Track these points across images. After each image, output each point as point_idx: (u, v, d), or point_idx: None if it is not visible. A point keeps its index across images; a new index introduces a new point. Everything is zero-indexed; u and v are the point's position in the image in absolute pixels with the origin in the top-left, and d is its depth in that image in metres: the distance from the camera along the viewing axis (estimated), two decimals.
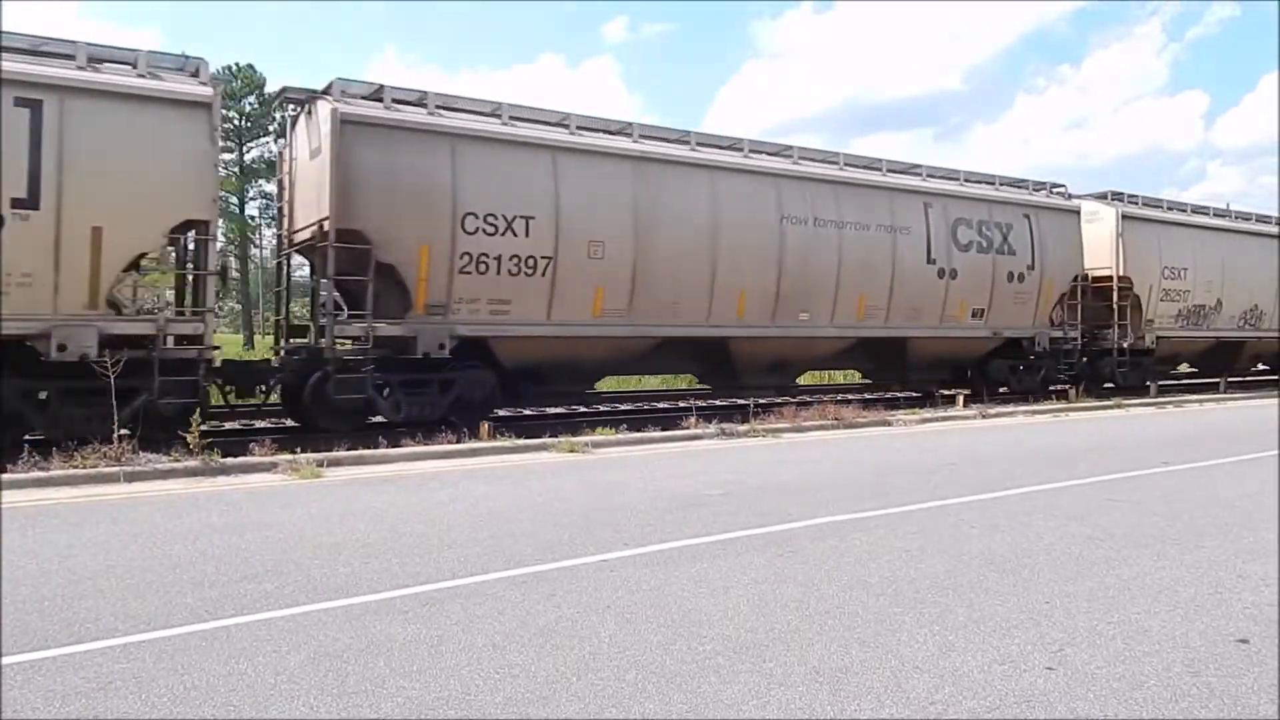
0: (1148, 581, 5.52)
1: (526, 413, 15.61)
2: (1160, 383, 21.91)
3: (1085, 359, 20.58)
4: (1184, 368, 26.03)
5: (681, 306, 14.44)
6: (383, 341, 12.26)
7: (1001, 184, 19.03)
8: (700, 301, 14.66)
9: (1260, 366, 27.36)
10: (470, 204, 12.44)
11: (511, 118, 13.26)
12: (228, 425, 12.88)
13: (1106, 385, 20.82)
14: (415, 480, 9.15)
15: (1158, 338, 21.49)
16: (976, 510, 7.66)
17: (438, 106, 12.78)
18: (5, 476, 8.29)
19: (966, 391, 18.77)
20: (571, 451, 11.19)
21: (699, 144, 15.16)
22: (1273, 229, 24.76)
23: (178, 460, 9.33)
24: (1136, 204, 21.69)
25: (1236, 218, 24.61)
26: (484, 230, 12.54)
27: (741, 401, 16.33)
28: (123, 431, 9.27)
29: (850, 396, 18.55)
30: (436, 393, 12.69)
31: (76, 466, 8.75)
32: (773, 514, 7.38)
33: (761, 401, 16.49)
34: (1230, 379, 24.09)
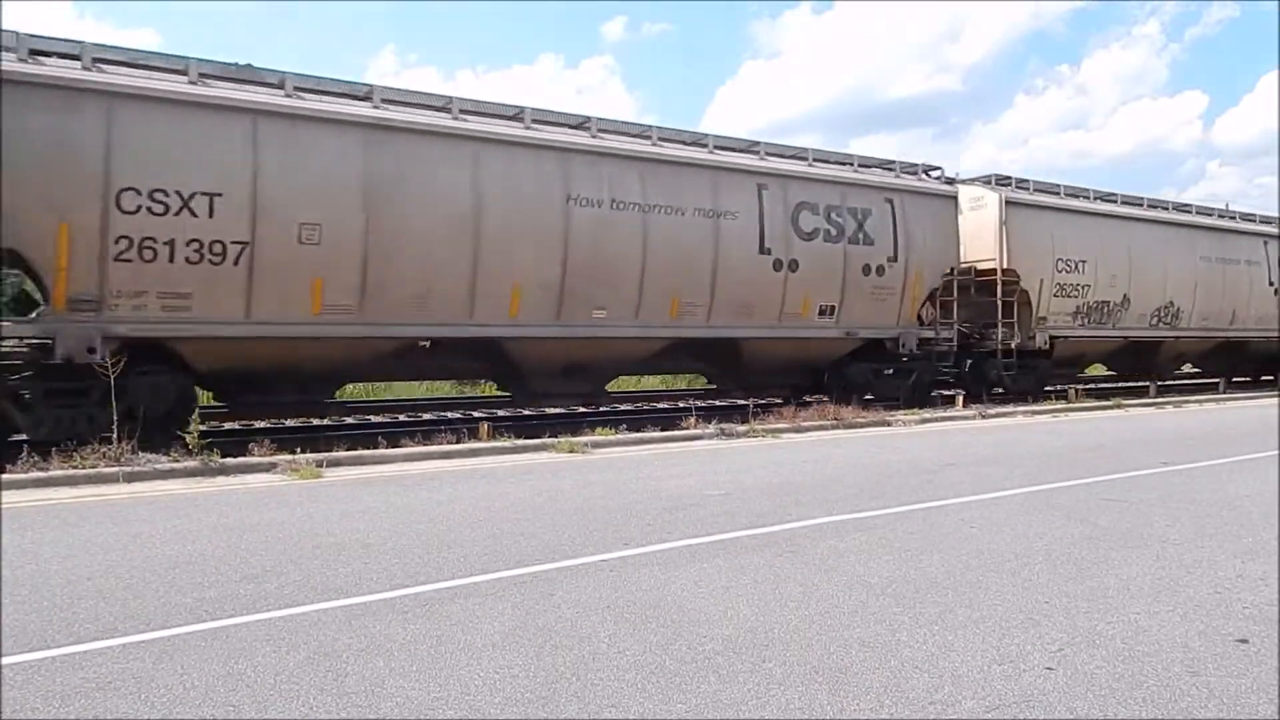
0: (1147, 581, 5.52)
1: (526, 413, 15.60)
2: (1066, 386, 20.22)
3: (971, 361, 18.85)
4: (1101, 370, 24.34)
5: (433, 302, 12.21)
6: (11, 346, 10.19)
7: (861, 165, 16.79)
8: (459, 296, 12.41)
9: (1188, 369, 25.75)
10: (130, 177, 10.13)
11: (203, 75, 11.02)
12: (227, 425, 12.88)
13: (997, 391, 18.93)
14: (415, 480, 9.15)
15: (1052, 337, 19.43)
16: (976, 510, 7.67)
17: (98, 60, 10.40)
18: (5, 476, 8.30)
19: (965, 391, 18.71)
20: (571, 452, 11.19)
21: (463, 111, 12.78)
22: (1193, 218, 22.36)
23: (177, 460, 9.34)
24: (1027, 189, 19.43)
25: (1150, 205, 21.91)
26: (149, 209, 10.21)
27: (741, 401, 16.31)
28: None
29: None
30: (96, 404, 10.07)
31: (76, 467, 8.75)
32: (772, 514, 7.39)
33: (761, 401, 16.48)
34: (1162, 383, 22.81)
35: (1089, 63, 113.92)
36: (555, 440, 11.53)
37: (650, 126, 14.62)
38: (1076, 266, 19.68)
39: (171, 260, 10.43)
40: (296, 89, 11.59)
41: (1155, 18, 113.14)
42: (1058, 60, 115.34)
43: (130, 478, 8.75)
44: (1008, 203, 18.70)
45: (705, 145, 14.98)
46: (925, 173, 17.69)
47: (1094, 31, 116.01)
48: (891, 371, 17.57)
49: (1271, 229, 24.40)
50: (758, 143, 15.68)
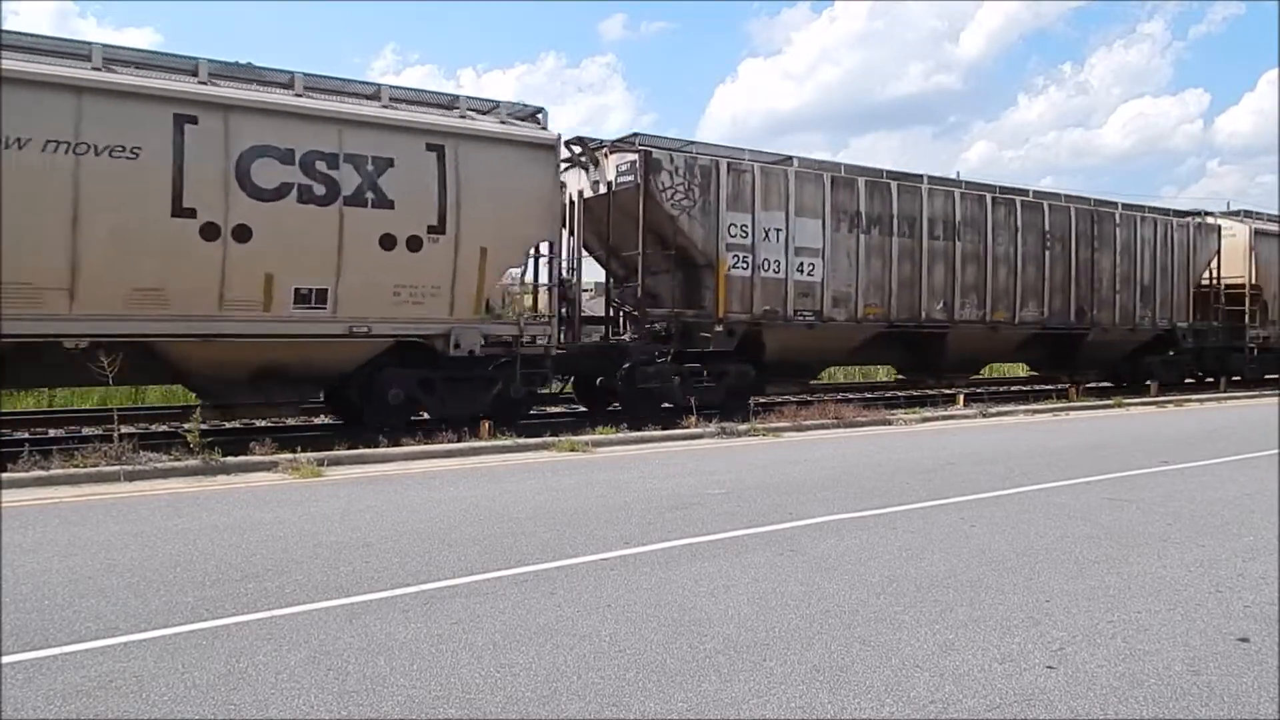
0: (1148, 580, 5.52)
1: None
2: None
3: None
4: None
5: None
6: None
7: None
8: None
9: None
10: None
11: None
12: (227, 425, 12.87)
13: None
14: (416, 479, 9.15)
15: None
16: (976, 509, 7.67)
17: None
18: (6, 476, 8.30)
19: (967, 390, 18.72)
20: (572, 450, 11.19)
21: None
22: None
23: (178, 459, 9.34)
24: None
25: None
26: None
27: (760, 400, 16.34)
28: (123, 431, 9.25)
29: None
30: None
31: (77, 466, 8.75)
32: (773, 513, 7.38)
33: (761, 400, 16.47)
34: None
35: (1092, 60, 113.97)
36: (556, 439, 11.53)
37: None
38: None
39: None
40: None
41: (1159, 15, 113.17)
42: (1059, 58, 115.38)
43: (131, 476, 8.75)
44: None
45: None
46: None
47: (1095, 30, 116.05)
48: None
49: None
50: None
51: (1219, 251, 22.84)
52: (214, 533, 6.55)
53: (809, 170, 16.24)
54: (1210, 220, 23.17)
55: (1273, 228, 24.48)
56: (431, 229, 11.97)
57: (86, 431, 11.94)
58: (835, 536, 6.60)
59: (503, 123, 12.80)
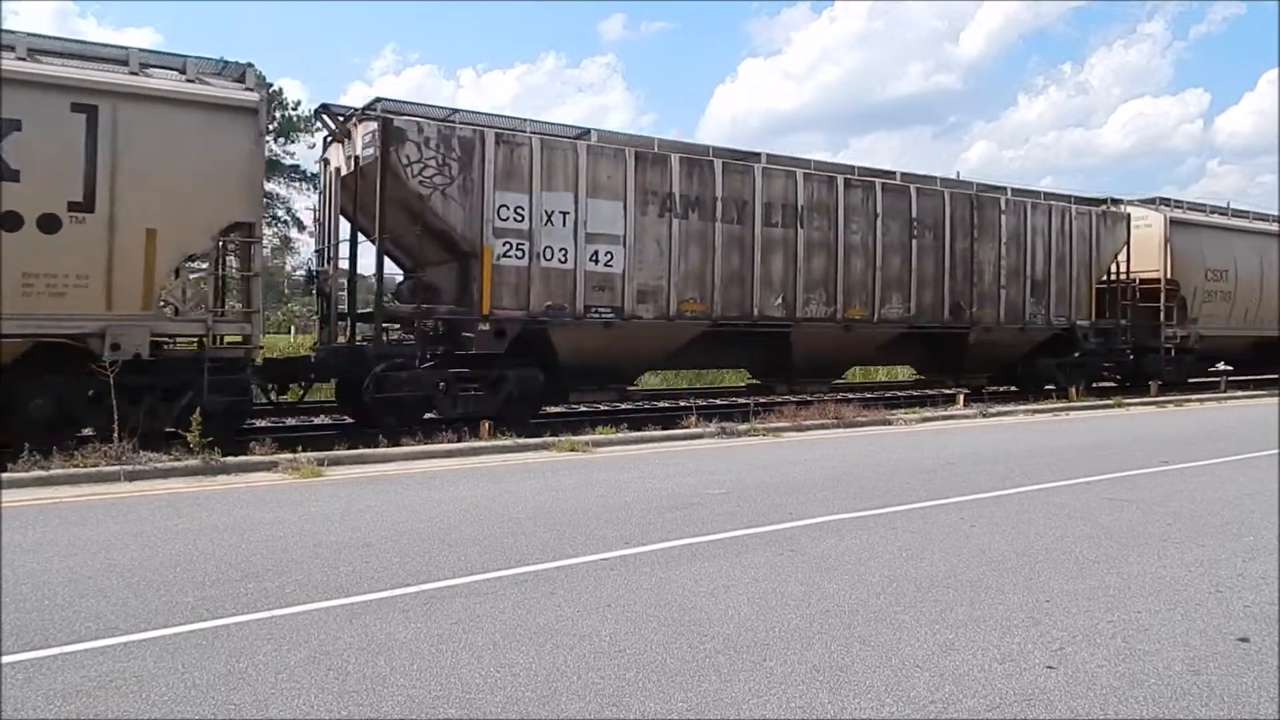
0: (1148, 580, 5.52)
1: None
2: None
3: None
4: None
5: None
6: None
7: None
8: None
9: None
10: None
11: None
12: None
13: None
14: (416, 479, 9.15)
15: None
16: (976, 509, 7.67)
17: None
18: (6, 476, 8.30)
19: (967, 390, 18.65)
20: (572, 450, 11.20)
21: None
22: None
23: (178, 459, 9.34)
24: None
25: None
26: None
27: (742, 401, 16.24)
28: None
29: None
30: None
31: (77, 466, 8.75)
32: (773, 513, 7.39)
33: (762, 400, 16.46)
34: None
35: (1092, 60, 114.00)
36: (556, 439, 11.53)
37: None
38: None
39: None
40: None
41: (1159, 15, 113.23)
42: (1059, 58, 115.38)
43: (131, 476, 8.75)
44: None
45: None
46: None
47: (1095, 30, 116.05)
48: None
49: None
50: None
51: (1129, 242, 20.74)
52: (214, 533, 6.55)
53: (607, 145, 13.99)
54: (1119, 209, 21.17)
55: (1194, 217, 22.55)
56: (75, 206, 9.80)
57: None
58: (835, 536, 6.60)
59: (191, 81, 10.64)
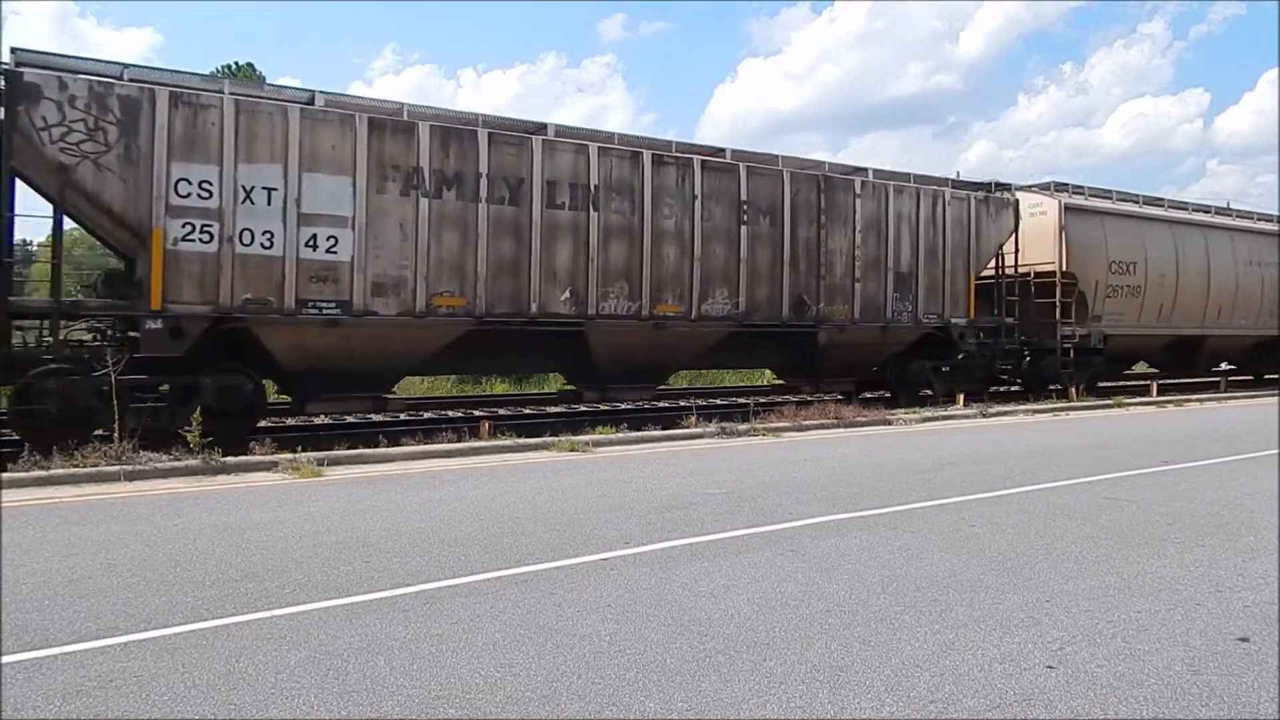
0: (1148, 580, 5.52)
1: (526, 411, 15.59)
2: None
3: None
4: None
5: None
6: None
7: None
8: None
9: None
10: None
11: None
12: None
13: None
14: (416, 479, 9.15)
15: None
16: (976, 509, 7.66)
17: None
18: (6, 475, 8.30)
19: (967, 390, 18.58)
20: (572, 450, 11.19)
21: None
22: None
23: (178, 459, 9.34)
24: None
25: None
26: None
27: (743, 400, 16.19)
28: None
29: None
30: None
31: (77, 466, 8.76)
32: (773, 513, 7.38)
33: (762, 400, 16.44)
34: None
35: (1093, 60, 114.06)
36: (556, 439, 11.53)
37: None
38: None
39: None
40: None
41: (1159, 15, 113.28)
42: (1059, 58, 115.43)
43: (131, 476, 8.75)
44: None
45: None
46: None
47: (1095, 30, 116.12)
48: None
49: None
50: None
51: (1017, 231, 18.55)
52: (214, 533, 6.55)
53: (332, 110, 11.81)
54: (1006, 194, 18.74)
55: (1095, 204, 20.46)
56: None
57: None
58: (835, 536, 6.60)
59: None
